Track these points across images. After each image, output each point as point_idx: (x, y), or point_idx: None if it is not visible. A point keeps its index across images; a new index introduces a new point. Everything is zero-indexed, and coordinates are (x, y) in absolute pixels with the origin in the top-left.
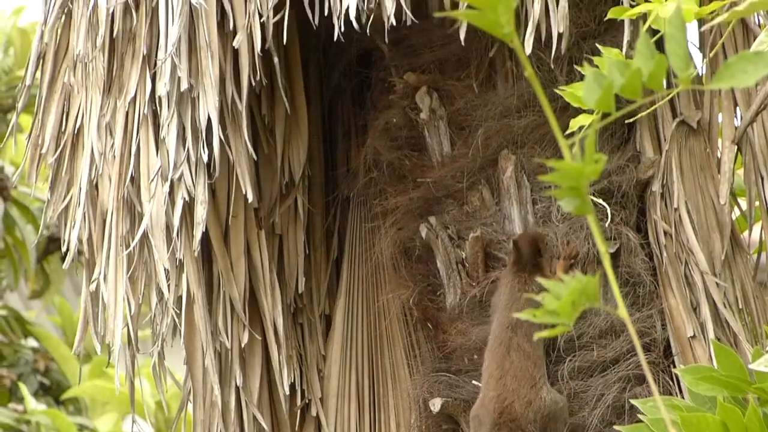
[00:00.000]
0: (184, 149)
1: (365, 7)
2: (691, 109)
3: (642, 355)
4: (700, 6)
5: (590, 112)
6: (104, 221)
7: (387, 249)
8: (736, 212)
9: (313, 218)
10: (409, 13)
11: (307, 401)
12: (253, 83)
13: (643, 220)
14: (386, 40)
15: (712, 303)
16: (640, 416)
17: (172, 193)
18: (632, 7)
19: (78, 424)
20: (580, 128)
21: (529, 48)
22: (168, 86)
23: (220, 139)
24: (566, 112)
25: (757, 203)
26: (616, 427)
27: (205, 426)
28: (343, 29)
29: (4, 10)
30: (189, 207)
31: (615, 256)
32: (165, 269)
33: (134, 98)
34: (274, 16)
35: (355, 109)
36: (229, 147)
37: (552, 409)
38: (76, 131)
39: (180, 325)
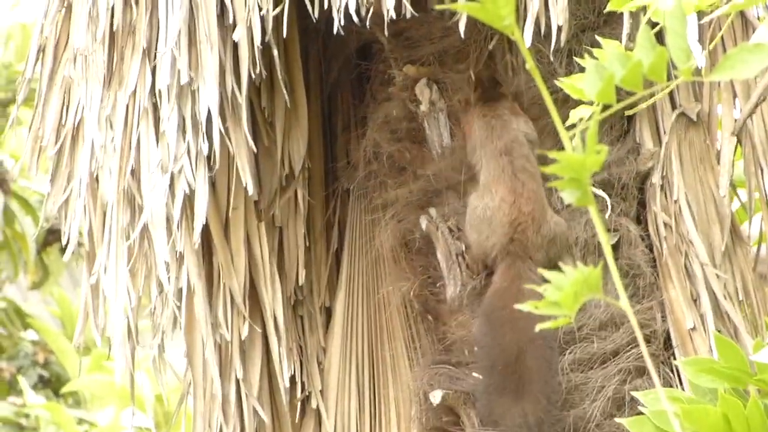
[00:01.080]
0: (184, 141)
1: (365, 0)
2: (690, 101)
3: (644, 347)
4: None
5: (590, 103)
6: (104, 213)
7: (387, 241)
8: (736, 204)
9: (313, 210)
10: (408, 5)
11: (307, 393)
12: (253, 76)
13: (643, 211)
14: (386, 32)
15: (712, 295)
16: (640, 408)
17: (172, 185)
18: None
19: (77, 417)
20: (581, 120)
21: (528, 40)
22: (168, 79)
23: (220, 132)
24: (566, 104)
25: (756, 195)
26: (617, 419)
27: (205, 418)
28: (342, 22)
29: (2, 4)
30: (189, 199)
31: (615, 248)
32: (165, 261)
33: (134, 91)
34: (274, 8)
35: (354, 101)
36: (229, 139)
37: (556, 231)
38: (76, 124)
39: (180, 318)
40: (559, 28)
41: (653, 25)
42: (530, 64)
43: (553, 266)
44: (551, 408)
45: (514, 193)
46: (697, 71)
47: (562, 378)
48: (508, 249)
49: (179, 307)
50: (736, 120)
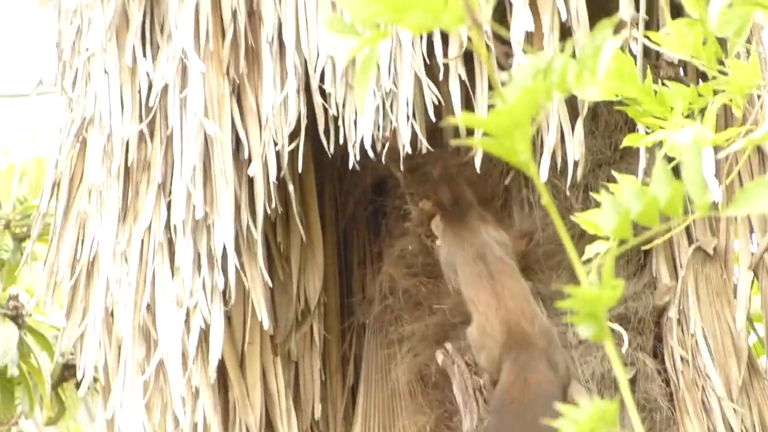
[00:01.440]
0: (199, 276)
1: (380, 136)
2: (707, 235)
3: None
4: (716, 133)
5: (606, 238)
6: (120, 348)
7: (403, 375)
8: (753, 338)
9: (328, 345)
10: (424, 141)
11: None
12: (269, 211)
13: (659, 345)
14: (401, 167)
15: (729, 429)
16: None
17: (187, 320)
18: (648, 134)
19: None
20: (597, 255)
21: (544, 175)
22: (183, 214)
23: (236, 267)
24: (582, 239)
25: None
26: None
27: None
28: (358, 157)
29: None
30: (204, 334)
31: (632, 382)
32: (181, 396)
33: (149, 226)
34: (289, 144)
35: (370, 236)
36: (245, 274)
37: (547, 326)
38: (91, 259)
39: None
40: (576, 163)
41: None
42: (546, 200)
43: (551, 366)
44: None
45: (495, 296)
46: (714, 206)
47: None
48: (508, 345)
49: None
50: (752, 254)
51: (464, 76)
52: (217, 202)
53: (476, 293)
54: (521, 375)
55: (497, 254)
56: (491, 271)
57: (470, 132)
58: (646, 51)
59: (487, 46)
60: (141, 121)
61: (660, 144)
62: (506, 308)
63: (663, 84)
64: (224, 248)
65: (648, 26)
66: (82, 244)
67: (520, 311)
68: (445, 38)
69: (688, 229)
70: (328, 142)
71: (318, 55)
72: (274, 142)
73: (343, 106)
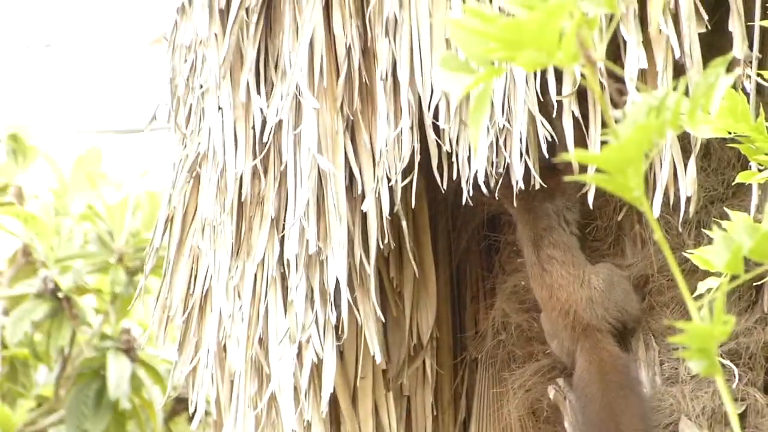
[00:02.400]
0: (312, 311)
1: (494, 172)
2: None
3: None
4: None
5: (718, 275)
6: (232, 382)
7: (515, 410)
8: None
9: (441, 380)
10: (537, 176)
11: None
12: (382, 246)
13: None
14: (515, 203)
15: None
16: None
17: (299, 354)
18: (760, 171)
19: None
20: (708, 290)
21: (657, 211)
22: (296, 249)
23: (349, 302)
24: (695, 275)
25: None
26: None
27: None
28: (471, 193)
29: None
30: (317, 368)
31: (742, 417)
32: (293, 430)
33: (262, 260)
34: (403, 180)
35: (483, 272)
36: (358, 309)
37: (606, 284)
38: (204, 293)
39: None
40: (688, 199)
41: None
42: (658, 235)
43: (626, 303)
44: None
45: (548, 289)
46: None
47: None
48: (572, 335)
49: None
50: None
51: (578, 113)
52: (330, 237)
53: (534, 286)
54: (594, 357)
55: (552, 240)
56: (541, 260)
57: (584, 168)
58: (759, 88)
59: (601, 84)
60: (254, 156)
61: None
62: (558, 300)
63: None
64: (337, 283)
65: (761, 64)
66: (195, 279)
67: (571, 300)
68: (558, 75)
69: None
70: (442, 178)
71: (432, 91)
72: (388, 177)
73: (457, 142)
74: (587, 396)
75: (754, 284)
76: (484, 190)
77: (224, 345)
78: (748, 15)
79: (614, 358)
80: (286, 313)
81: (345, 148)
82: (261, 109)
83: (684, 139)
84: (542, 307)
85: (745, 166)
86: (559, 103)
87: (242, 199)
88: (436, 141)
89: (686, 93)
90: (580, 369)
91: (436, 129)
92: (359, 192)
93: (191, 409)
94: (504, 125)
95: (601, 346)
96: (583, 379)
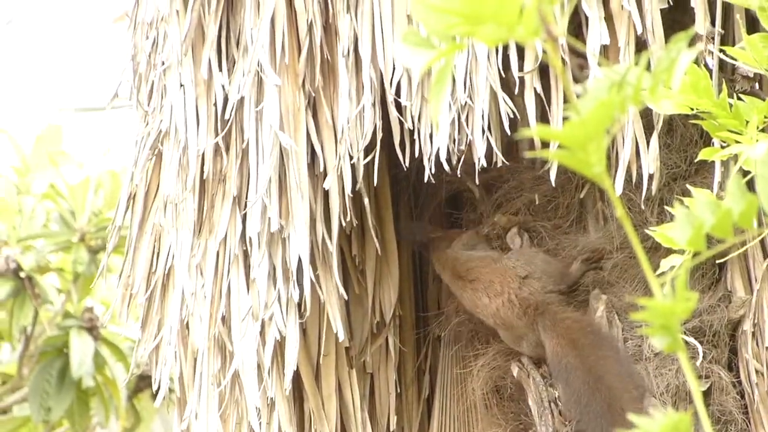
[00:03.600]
0: (274, 289)
1: (456, 149)
2: None
3: None
4: None
5: (681, 252)
6: (195, 360)
7: (479, 388)
8: None
9: (404, 357)
10: (500, 154)
11: None
12: (344, 223)
13: (734, 358)
14: (477, 181)
15: None
16: None
17: (262, 332)
18: (723, 148)
19: None
20: (671, 268)
21: (619, 188)
22: (258, 226)
23: (311, 279)
24: (657, 252)
25: None
26: None
27: None
28: (433, 170)
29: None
30: (280, 346)
31: (707, 394)
32: (256, 408)
33: (225, 238)
34: (365, 157)
35: None
36: (320, 287)
37: (524, 259)
38: (166, 271)
39: None
40: (651, 177)
41: (744, 173)
42: (620, 212)
43: (552, 268)
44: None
45: (483, 293)
46: None
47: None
48: (530, 324)
49: None
50: None
51: (539, 89)
52: (292, 215)
53: (473, 305)
54: (556, 331)
55: (464, 256)
56: (465, 278)
57: (545, 145)
58: (722, 65)
59: (563, 59)
60: (216, 134)
61: (735, 158)
62: (496, 294)
63: (738, 98)
64: (299, 261)
65: (723, 40)
66: (158, 257)
67: (506, 287)
68: (520, 51)
69: (762, 242)
70: (404, 156)
71: (394, 68)
72: (350, 155)
73: (419, 119)
74: (567, 368)
75: (717, 262)
76: (446, 167)
77: (187, 323)
78: None
79: (579, 322)
80: (248, 291)
81: (307, 125)
82: (223, 86)
83: (647, 116)
84: (488, 316)
85: (708, 143)
86: (521, 79)
87: (204, 177)
88: (398, 118)
89: (648, 69)
90: (550, 347)
91: (398, 106)
92: (321, 169)
93: (155, 387)
94: (466, 102)
95: (560, 317)
96: (557, 354)
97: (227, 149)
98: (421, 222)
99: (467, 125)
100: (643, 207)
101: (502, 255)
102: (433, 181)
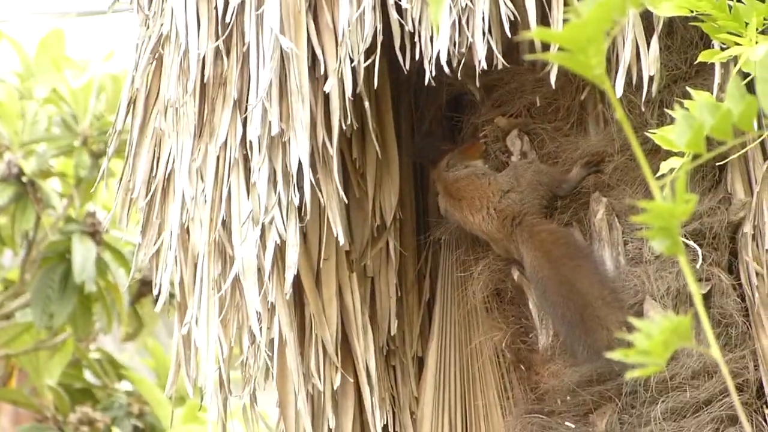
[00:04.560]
0: (275, 193)
1: (456, 52)
2: None
3: (736, 396)
4: None
5: (681, 155)
6: (195, 265)
7: (479, 291)
8: None
9: (404, 261)
10: (500, 57)
11: None
12: (344, 127)
13: (735, 261)
14: (477, 83)
15: None
16: None
17: (263, 236)
18: (723, 50)
19: None
20: (671, 170)
21: (619, 91)
22: (259, 130)
23: (311, 183)
24: (657, 154)
25: None
26: None
27: None
28: (434, 73)
29: (95, 56)
30: (280, 250)
31: (707, 297)
32: (257, 312)
33: (225, 143)
34: (365, 60)
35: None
36: (320, 190)
37: (512, 173)
38: (166, 176)
39: (272, 368)
40: (651, 79)
41: (744, 75)
42: (620, 114)
43: (541, 177)
44: (619, 309)
45: (467, 206)
46: None
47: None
48: (508, 234)
49: (271, 358)
50: None
51: None
52: (292, 118)
53: (458, 218)
54: (533, 244)
55: (451, 180)
56: (451, 193)
57: (546, 47)
58: None
59: None
60: (217, 38)
61: (735, 60)
62: (477, 207)
63: (738, 0)
64: (300, 164)
65: None
66: (158, 161)
67: (486, 199)
68: None
69: (762, 144)
70: (404, 59)
71: None
72: (350, 58)
73: (419, 22)
74: (542, 281)
75: (717, 164)
76: (447, 70)
77: (187, 227)
78: None
79: (553, 234)
80: (248, 195)
81: (307, 29)
82: None
83: (647, 18)
84: (476, 231)
85: (708, 44)
86: None
87: (205, 81)
88: (399, 21)
89: None
90: (528, 259)
91: (399, 9)
92: (322, 73)
93: (155, 292)
94: (466, 4)
95: (537, 229)
96: (534, 267)
97: (228, 53)
98: (434, 139)
99: (468, 28)
100: (643, 109)
101: (489, 171)
102: (434, 84)
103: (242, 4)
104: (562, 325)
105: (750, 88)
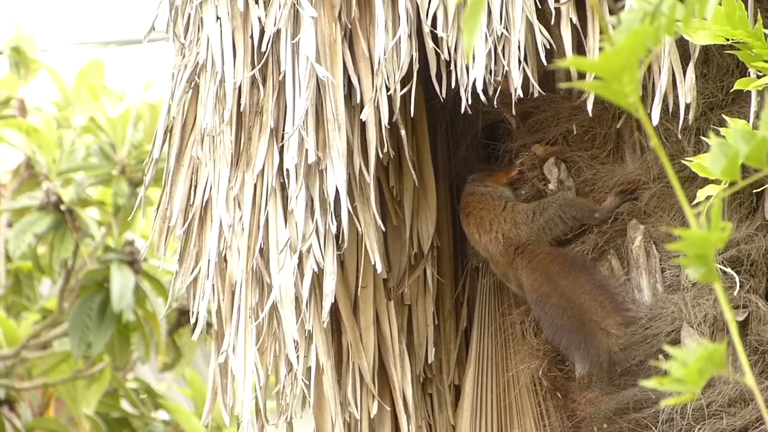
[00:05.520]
0: (312, 221)
1: (492, 80)
2: None
3: None
4: None
5: (718, 182)
6: (233, 293)
7: (517, 319)
8: None
9: (442, 289)
10: (536, 85)
11: None
12: (381, 155)
13: None
14: (513, 112)
15: None
16: None
17: (300, 264)
18: (759, 77)
19: None
20: (707, 198)
21: (656, 119)
22: (296, 159)
23: (349, 211)
24: (694, 182)
25: None
26: None
27: None
28: (470, 101)
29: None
30: (318, 278)
31: (744, 324)
32: (294, 340)
33: (262, 171)
34: (402, 88)
35: None
36: (358, 218)
37: (533, 209)
38: (204, 204)
39: (309, 396)
40: (687, 106)
41: None
42: (654, 142)
43: (565, 210)
44: (617, 312)
45: (475, 226)
46: None
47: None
48: (510, 261)
49: (308, 386)
50: None
51: (576, 20)
52: (329, 146)
53: (469, 233)
54: (531, 266)
55: (465, 191)
56: (462, 204)
57: (582, 75)
58: None
59: None
60: (253, 66)
61: None
62: (486, 230)
63: None
64: (337, 192)
65: None
66: (195, 190)
67: (496, 224)
68: None
69: None
70: (440, 87)
71: None
72: (386, 86)
73: (455, 50)
74: (542, 298)
75: (755, 191)
76: (483, 98)
77: (225, 255)
78: None
79: (551, 254)
80: (286, 223)
81: (343, 57)
82: (259, 18)
83: (683, 47)
84: (477, 245)
85: (744, 72)
86: (557, 10)
87: (241, 110)
88: (435, 49)
89: None
90: (527, 282)
91: (435, 37)
92: (358, 101)
93: (192, 320)
94: (502, 33)
95: (536, 252)
96: (533, 288)
97: (264, 82)
98: (470, 160)
99: (503, 56)
100: (679, 137)
101: (512, 197)
102: (470, 112)
103: (278, 33)
104: (562, 335)
105: None
